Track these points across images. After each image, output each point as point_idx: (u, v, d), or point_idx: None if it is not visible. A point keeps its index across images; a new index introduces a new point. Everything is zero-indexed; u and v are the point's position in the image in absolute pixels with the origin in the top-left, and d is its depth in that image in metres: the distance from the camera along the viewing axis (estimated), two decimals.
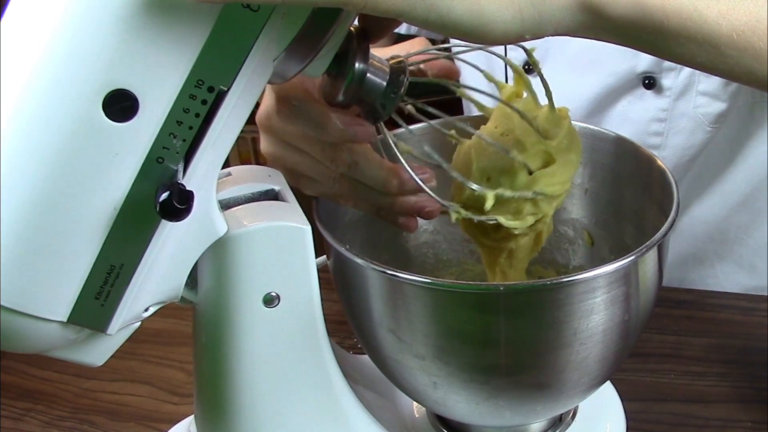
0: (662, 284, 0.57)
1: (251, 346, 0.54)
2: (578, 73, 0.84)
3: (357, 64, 0.50)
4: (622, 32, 0.47)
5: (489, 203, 0.55)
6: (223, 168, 0.49)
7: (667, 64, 0.81)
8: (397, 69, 0.52)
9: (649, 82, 0.82)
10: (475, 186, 0.55)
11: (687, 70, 0.81)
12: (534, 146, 0.57)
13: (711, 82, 0.80)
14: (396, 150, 0.54)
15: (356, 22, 0.52)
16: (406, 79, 0.52)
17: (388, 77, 0.52)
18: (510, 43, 0.48)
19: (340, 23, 0.46)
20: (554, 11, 0.45)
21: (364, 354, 0.63)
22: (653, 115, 0.83)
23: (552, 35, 0.47)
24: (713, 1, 0.46)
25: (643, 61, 0.81)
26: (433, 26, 0.44)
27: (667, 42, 0.47)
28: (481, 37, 0.45)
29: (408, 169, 0.54)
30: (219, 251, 0.51)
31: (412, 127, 0.57)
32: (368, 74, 0.51)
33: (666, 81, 0.81)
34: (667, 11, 0.45)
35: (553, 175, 0.57)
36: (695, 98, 0.81)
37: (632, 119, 0.84)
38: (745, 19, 0.46)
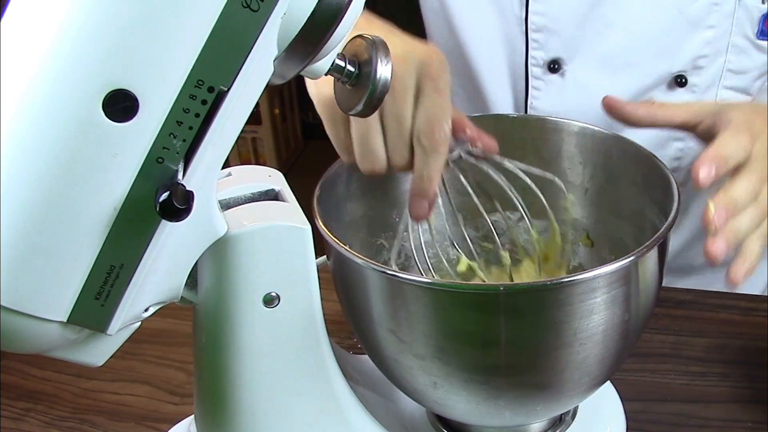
0: (662, 284, 0.57)
1: (251, 346, 0.54)
2: (611, 73, 0.84)
3: (379, 75, 0.50)
4: None
5: None
6: (223, 168, 0.49)
7: (699, 61, 0.82)
8: None
9: (682, 81, 0.83)
10: None
11: (715, 66, 0.82)
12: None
13: (738, 79, 0.82)
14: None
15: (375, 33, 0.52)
16: None
17: None
18: None
19: (341, 24, 0.46)
20: None
21: (364, 354, 0.63)
22: None
23: None
24: None
25: (679, 61, 0.82)
26: None
27: None
28: None
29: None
30: (219, 251, 0.51)
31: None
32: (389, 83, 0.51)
33: (693, 78, 0.82)
34: None
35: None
36: (719, 92, 0.82)
37: None
38: None
